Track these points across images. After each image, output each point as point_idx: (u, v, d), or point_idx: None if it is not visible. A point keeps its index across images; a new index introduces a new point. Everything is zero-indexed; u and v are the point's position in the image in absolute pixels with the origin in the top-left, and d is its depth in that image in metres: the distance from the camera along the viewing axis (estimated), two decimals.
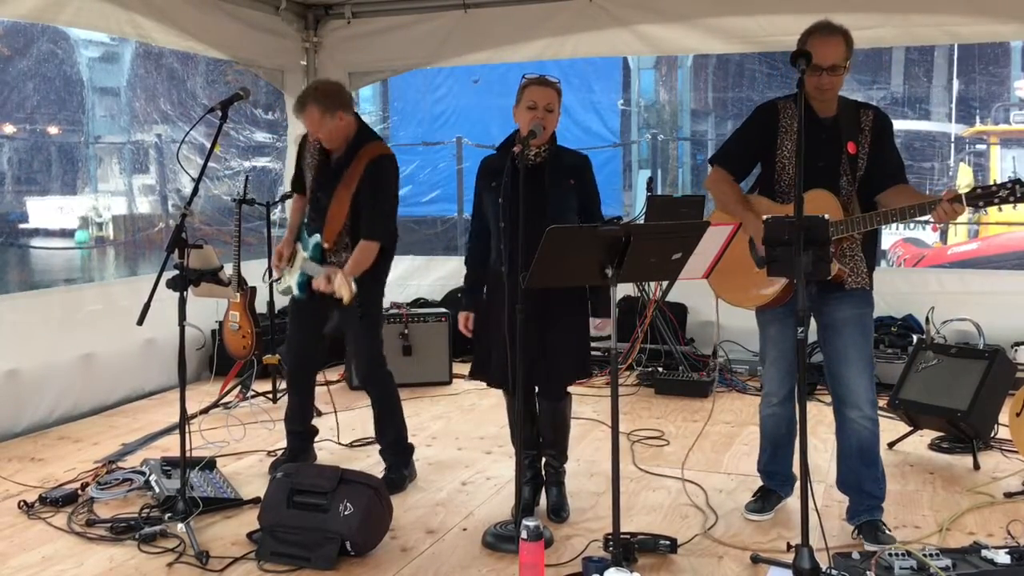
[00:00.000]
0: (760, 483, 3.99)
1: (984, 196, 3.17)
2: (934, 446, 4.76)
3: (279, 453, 4.57)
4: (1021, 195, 3.11)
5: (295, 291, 4.26)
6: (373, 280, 4.20)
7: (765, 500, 3.90)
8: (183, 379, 3.76)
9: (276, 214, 6.19)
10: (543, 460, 3.97)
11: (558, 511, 3.85)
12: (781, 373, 3.75)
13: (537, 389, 3.87)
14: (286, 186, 6.58)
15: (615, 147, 13.96)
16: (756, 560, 3.40)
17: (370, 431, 5.19)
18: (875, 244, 3.53)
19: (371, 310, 4.26)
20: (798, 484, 3.65)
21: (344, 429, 5.09)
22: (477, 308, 3.89)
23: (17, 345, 5.20)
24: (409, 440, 4.44)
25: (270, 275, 4.44)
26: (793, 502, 3.80)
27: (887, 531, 3.56)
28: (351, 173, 4.12)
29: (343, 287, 3.89)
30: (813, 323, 3.69)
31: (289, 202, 4.73)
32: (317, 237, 4.17)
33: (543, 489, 3.97)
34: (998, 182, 3.20)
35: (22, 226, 13.92)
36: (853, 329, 3.53)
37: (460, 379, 6.43)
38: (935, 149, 14.11)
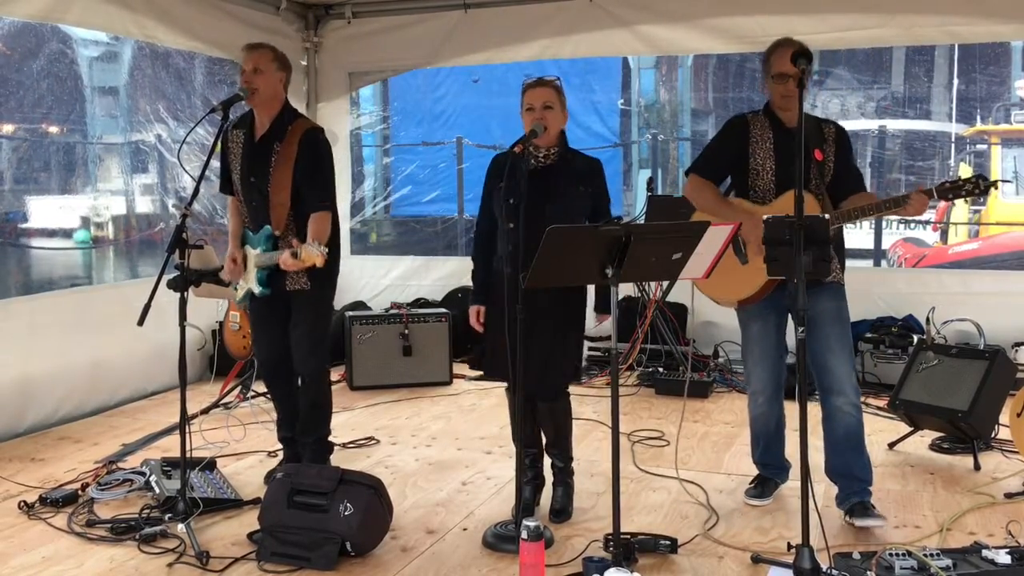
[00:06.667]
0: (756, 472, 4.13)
1: (952, 189, 3.51)
2: (935, 446, 4.76)
3: (279, 454, 4.55)
4: (984, 188, 3.48)
5: (257, 289, 4.09)
6: (325, 272, 4.10)
7: (763, 486, 4.04)
8: (183, 379, 3.75)
9: None
10: (550, 461, 3.96)
11: (560, 512, 3.84)
12: (767, 372, 3.91)
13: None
14: None
15: (615, 147, 13.92)
16: (756, 560, 3.40)
17: (370, 430, 5.21)
18: (843, 242, 3.82)
19: (323, 302, 4.21)
20: (793, 470, 3.87)
21: (344, 429, 5.09)
22: (486, 302, 3.87)
23: (23, 348, 5.20)
24: (331, 439, 4.40)
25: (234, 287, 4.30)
26: (794, 502, 3.79)
27: (876, 510, 3.68)
28: (285, 152, 4.01)
29: (311, 253, 3.70)
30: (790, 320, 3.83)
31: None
32: (267, 228, 4.04)
33: (544, 489, 3.97)
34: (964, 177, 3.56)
35: (22, 226, 13.89)
36: (834, 320, 3.70)
37: (460, 379, 6.43)
38: (935, 149, 14.07)
